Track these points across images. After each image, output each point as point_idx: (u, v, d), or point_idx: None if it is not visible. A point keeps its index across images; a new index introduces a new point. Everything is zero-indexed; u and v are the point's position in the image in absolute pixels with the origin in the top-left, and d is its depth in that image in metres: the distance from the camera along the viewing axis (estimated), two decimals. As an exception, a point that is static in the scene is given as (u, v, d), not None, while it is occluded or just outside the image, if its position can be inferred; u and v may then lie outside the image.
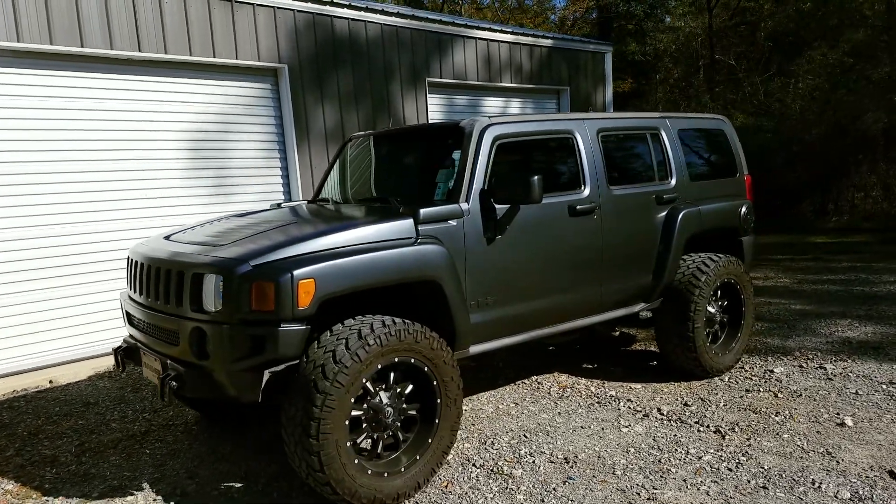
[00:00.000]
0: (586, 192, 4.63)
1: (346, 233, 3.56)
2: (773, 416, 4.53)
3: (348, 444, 3.27)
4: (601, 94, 11.84)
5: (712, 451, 4.04)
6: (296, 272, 3.19)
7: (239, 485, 3.82)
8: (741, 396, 4.92)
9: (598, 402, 4.90)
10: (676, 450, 4.07)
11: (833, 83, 16.29)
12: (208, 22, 6.87)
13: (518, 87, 10.48)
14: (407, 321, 3.52)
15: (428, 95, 9.07)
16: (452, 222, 3.90)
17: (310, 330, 3.30)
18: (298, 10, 7.61)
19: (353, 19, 8.13)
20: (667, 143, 5.27)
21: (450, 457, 4.05)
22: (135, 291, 3.93)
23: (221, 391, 3.34)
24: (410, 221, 3.74)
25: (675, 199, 5.20)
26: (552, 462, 3.96)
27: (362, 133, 5.40)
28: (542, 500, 3.54)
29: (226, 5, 7.01)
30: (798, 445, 4.06)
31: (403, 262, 3.58)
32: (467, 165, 4.06)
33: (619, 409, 4.75)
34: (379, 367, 3.37)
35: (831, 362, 5.54)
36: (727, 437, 4.23)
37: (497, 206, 4.08)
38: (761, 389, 5.03)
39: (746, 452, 3.99)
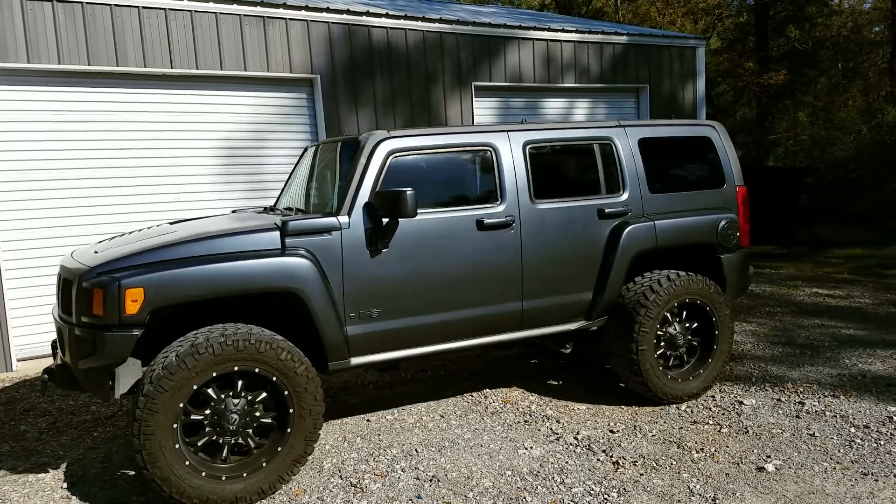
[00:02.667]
0: (502, 206, 4.49)
1: (206, 243, 3.79)
2: (694, 452, 4.13)
3: (176, 445, 3.49)
4: (690, 92, 11.06)
5: (591, 482, 3.79)
6: (124, 281, 3.47)
7: (131, 472, 4.18)
8: (680, 428, 4.52)
9: (524, 422, 4.73)
10: (554, 477, 3.87)
11: None
12: (240, 38, 7.41)
13: (584, 88, 10.12)
14: (254, 331, 3.67)
15: (475, 99, 9.06)
16: (328, 235, 3.99)
17: (138, 336, 3.55)
18: (333, 22, 7.97)
19: (391, 28, 8.34)
20: (621, 155, 4.93)
21: (327, 465, 4.16)
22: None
23: (81, 387, 3.72)
24: (276, 234, 3.89)
25: (623, 214, 4.86)
26: (417, 479, 3.93)
27: (329, 139, 5.59)
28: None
29: (258, 21, 7.52)
30: (688, 487, 3.69)
31: (254, 273, 3.74)
32: (354, 178, 4.12)
33: (537, 430, 4.56)
34: (214, 374, 3.56)
35: (820, 398, 4.90)
36: (620, 469, 3.94)
37: (384, 219, 4.10)
38: (710, 422, 4.58)
39: (625, 489, 3.70)
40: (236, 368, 3.61)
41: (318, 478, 4.00)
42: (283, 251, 3.87)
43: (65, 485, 4.05)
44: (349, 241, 4.05)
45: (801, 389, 5.09)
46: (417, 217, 4.18)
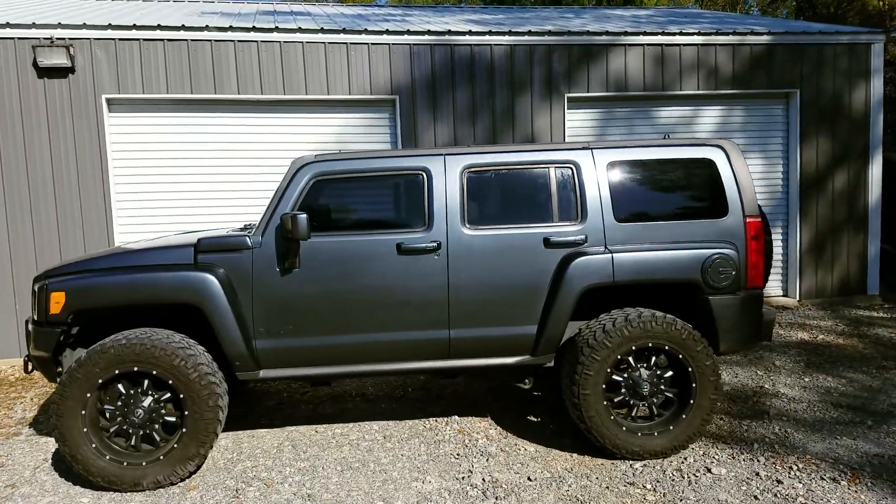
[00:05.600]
0: (428, 231, 4.41)
1: (132, 255, 4.35)
2: (582, 517, 3.72)
3: (84, 429, 4.04)
4: (861, 95, 9.42)
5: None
6: (50, 285, 4.13)
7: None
8: (606, 487, 4.06)
9: (456, 455, 4.59)
10: (412, 518, 3.76)
11: None
12: (324, 64, 8.04)
13: (712, 95, 9.17)
14: (154, 337, 4.11)
15: (567, 111, 8.72)
16: (239, 253, 4.31)
17: (61, 333, 4.18)
18: (415, 44, 8.26)
19: (475, 45, 8.40)
20: (583, 180, 4.54)
21: (239, 467, 4.48)
22: None
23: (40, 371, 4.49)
24: (191, 250, 4.30)
25: (576, 244, 4.46)
26: (294, 494, 4.07)
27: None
28: (227, 522, 3.80)
29: (341, 48, 8.09)
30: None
31: (159, 285, 4.19)
32: (273, 200, 4.39)
33: (458, 466, 4.41)
34: (116, 372, 4.07)
35: (813, 480, 4.05)
36: (482, 521, 3.70)
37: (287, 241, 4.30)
38: (647, 487, 4.04)
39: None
40: (136, 369, 4.09)
41: (218, 477, 4.33)
42: (194, 266, 4.27)
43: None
44: (260, 259, 4.32)
45: (802, 466, 4.23)
46: (334, 239, 4.33)
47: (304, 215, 4.09)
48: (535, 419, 5.23)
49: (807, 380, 5.95)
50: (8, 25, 7.26)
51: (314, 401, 5.83)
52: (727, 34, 9.03)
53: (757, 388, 5.79)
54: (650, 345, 4.36)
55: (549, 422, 5.15)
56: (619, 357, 4.36)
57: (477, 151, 4.58)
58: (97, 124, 7.56)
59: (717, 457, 4.43)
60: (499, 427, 5.07)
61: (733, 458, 4.40)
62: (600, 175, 4.57)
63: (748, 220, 4.58)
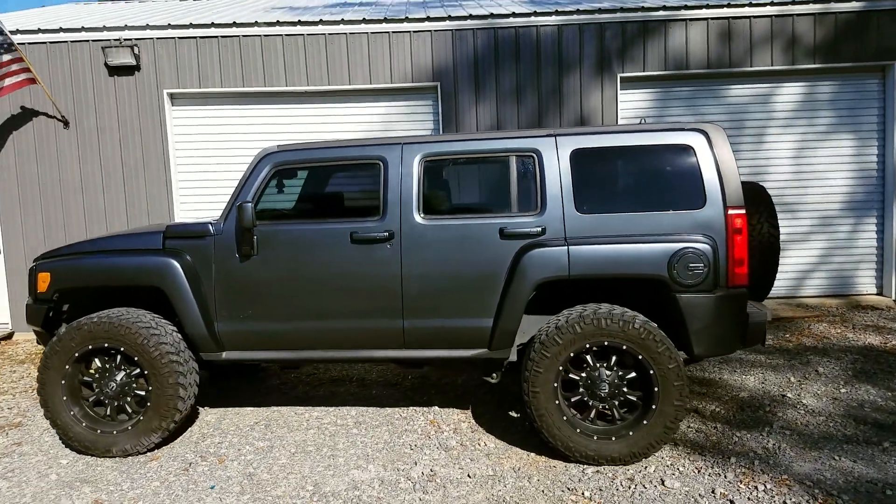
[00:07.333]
0: (381, 220, 4.39)
1: (113, 240, 4.69)
2: (494, 519, 3.59)
3: (64, 398, 4.46)
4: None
5: None
6: (38, 266, 4.55)
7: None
8: (542, 490, 3.88)
9: (412, 446, 4.55)
10: (338, 499, 3.81)
11: None
12: (366, 54, 8.17)
13: (789, 70, 8.32)
14: (125, 316, 4.41)
15: (620, 92, 8.27)
16: (201, 240, 4.52)
17: (49, 310, 4.60)
18: (457, 29, 8.17)
19: (520, 26, 8.17)
20: (544, 169, 4.32)
21: (206, 442, 4.73)
22: None
23: (41, 343, 4.96)
24: (160, 236, 4.57)
25: (532, 235, 4.26)
26: (239, 472, 4.24)
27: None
28: (169, 484, 4.04)
29: (382, 37, 8.17)
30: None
31: (126, 268, 4.50)
32: (236, 189, 4.55)
33: (407, 456, 4.38)
34: (90, 347, 4.42)
35: (771, 497, 3.65)
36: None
37: (256, 227, 4.45)
38: (583, 495, 3.81)
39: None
40: (106, 345, 4.42)
41: (183, 449, 4.60)
42: (162, 252, 4.54)
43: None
44: (220, 246, 4.51)
45: (770, 486, 3.79)
46: (290, 228, 4.45)
47: (250, 204, 4.22)
48: (517, 415, 5.07)
49: (843, 391, 5.30)
50: (83, 29, 8.01)
51: (313, 383, 6.02)
52: (807, 2, 8.13)
53: (778, 396, 5.25)
54: (606, 343, 4.09)
55: (526, 420, 4.96)
56: (571, 355, 4.12)
57: (436, 140, 4.49)
58: (160, 117, 8.17)
59: (681, 468, 4.08)
60: (473, 421, 4.98)
61: (699, 471, 4.04)
62: (563, 164, 4.32)
63: (730, 211, 4.15)
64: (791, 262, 8.56)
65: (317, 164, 4.54)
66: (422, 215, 4.38)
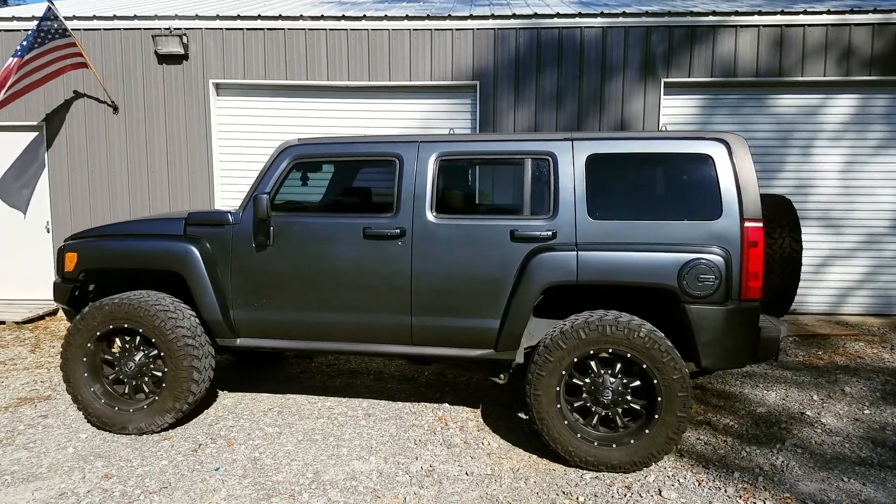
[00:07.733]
0: (394, 218, 4.43)
1: (140, 224, 4.84)
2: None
3: (86, 378, 4.66)
4: None
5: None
6: (66, 247, 4.75)
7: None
8: (536, 492, 3.86)
9: (416, 441, 4.58)
10: (337, 488, 3.87)
11: None
12: (407, 51, 8.22)
13: (842, 81, 8.01)
14: (145, 298, 4.57)
15: (664, 97, 8.11)
16: (220, 228, 4.65)
17: (74, 289, 4.78)
18: (499, 28, 8.14)
19: (564, 27, 8.09)
20: (558, 173, 4.28)
21: (219, 425, 4.86)
22: None
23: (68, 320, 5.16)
24: (182, 222, 4.72)
25: (543, 238, 4.23)
26: (245, 456, 4.34)
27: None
28: (177, 464, 4.18)
29: (424, 34, 8.21)
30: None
31: (151, 252, 4.64)
32: (256, 180, 4.66)
33: (409, 450, 4.41)
34: (111, 327, 4.57)
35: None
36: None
37: (272, 217, 4.55)
38: (577, 500, 3.78)
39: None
40: (126, 326, 4.57)
41: (196, 430, 4.74)
42: (183, 238, 4.68)
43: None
44: (238, 235, 4.62)
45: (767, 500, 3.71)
46: (305, 220, 4.53)
47: (266, 196, 4.31)
48: (525, 417, 5.05)
49: (867, 412, 5.10)
50: (136, 17, 8.30)
51: (331, 373, 6.11)
52: (866, 12, 7.80)
53: (797, 413, 5.08)
54: (610, 351, 4.04)
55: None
56: (575, 360, 4.09)
57: (452, 140, 4.50)
58: (205, 105, 8.41)
59: (681, 479, 4.00)
60: (481, 419, 4.98)
61: (699, 483, 3.95)
62: (578, 168, 4.27)
63: (746, 224, 4.04)
64: (834, 279, 8.24)
65: (335, 158, 4.61)
66: (434, 214, 4.40)
